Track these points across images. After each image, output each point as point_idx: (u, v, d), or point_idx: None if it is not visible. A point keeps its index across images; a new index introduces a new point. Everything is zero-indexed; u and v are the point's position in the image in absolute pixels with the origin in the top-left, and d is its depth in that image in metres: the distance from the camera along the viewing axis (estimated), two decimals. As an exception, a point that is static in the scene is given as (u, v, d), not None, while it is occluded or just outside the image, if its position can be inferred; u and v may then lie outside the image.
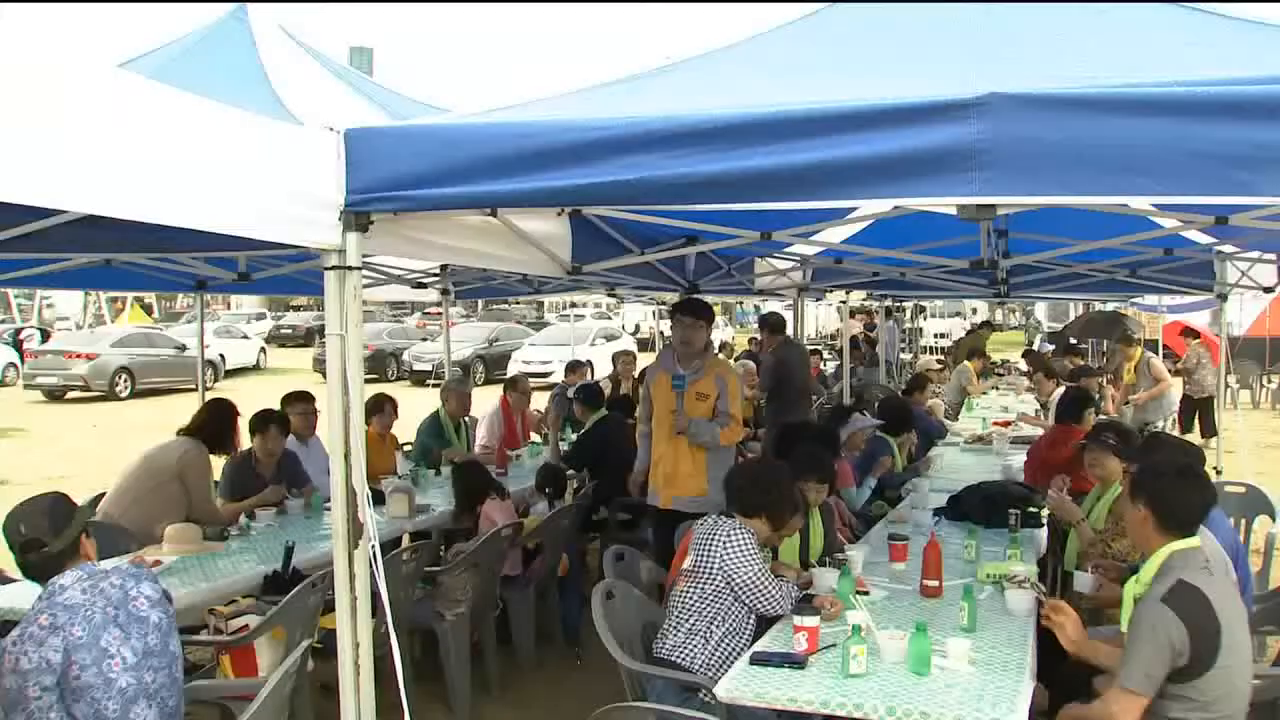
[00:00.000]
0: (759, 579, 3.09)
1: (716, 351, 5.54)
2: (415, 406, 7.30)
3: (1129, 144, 1.89)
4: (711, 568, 3.10)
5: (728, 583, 3.08)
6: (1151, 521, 2.58)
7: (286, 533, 4.33)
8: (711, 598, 3.09)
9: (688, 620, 3.11)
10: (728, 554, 3.09)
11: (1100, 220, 3.88)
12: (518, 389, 6.95)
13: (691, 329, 4.57)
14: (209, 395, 5.28)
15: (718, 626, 3.08)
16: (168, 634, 2.49)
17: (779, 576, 3.28)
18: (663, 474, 4.62)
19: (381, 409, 5.88)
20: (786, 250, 5.49)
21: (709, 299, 5.71)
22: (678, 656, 3.08)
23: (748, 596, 3.09)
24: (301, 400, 5.31)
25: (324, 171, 2.27)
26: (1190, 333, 11.86)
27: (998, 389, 11.18)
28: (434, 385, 11.69)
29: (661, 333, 13.41)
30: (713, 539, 3.14)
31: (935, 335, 26.61)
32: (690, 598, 3.12)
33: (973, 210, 2.14)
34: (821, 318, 26.38)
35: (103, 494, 4.61)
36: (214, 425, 4.65)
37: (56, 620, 2.27)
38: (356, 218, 2.32)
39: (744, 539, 3.12)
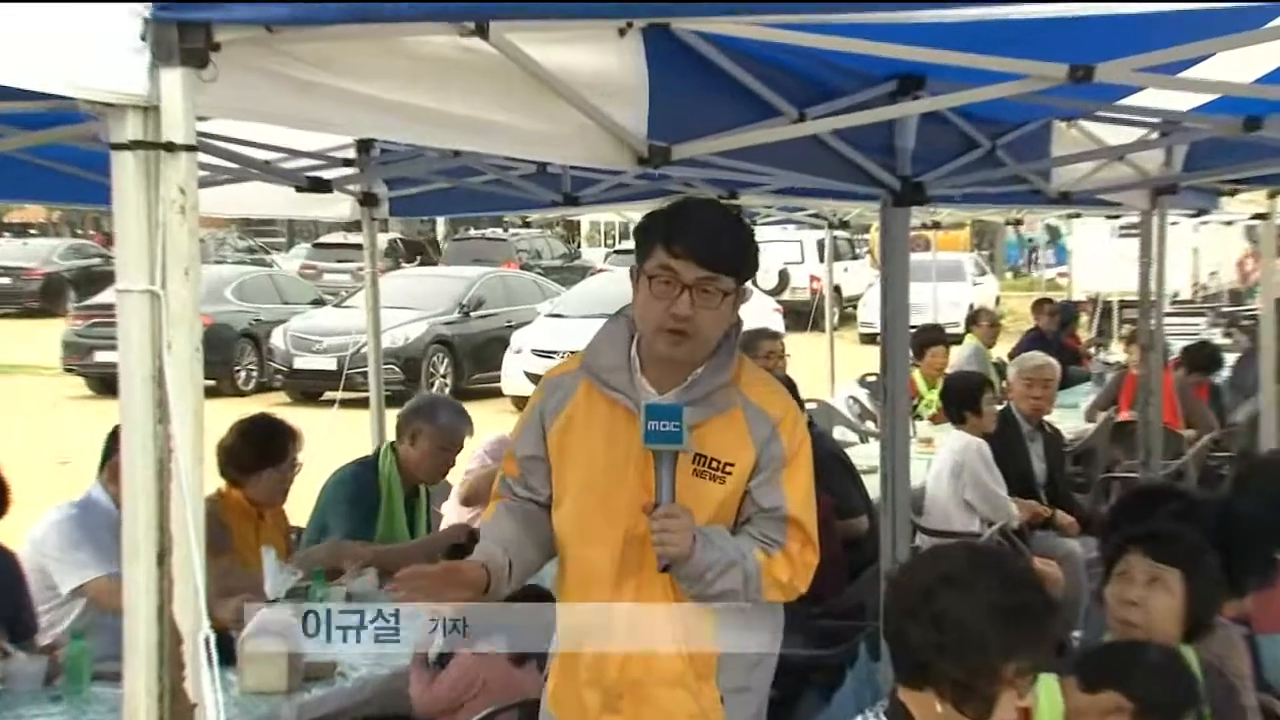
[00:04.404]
0: None
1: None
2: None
3: None
4: None
5: None
6: None
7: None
8: None
9: None
10: None
11: None
12: None
13: (702, 291, 3.88)
14: None
15: None
16: None
17: None
18: (589, 674, 3.95)
19: (282, 454, 5.94)
20: (1124, 102, 5.49)
21: (943, 213, 5.63)
22: None
23: None
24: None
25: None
26: None
27: None
28: (340, 404, 11.46)
29: (837, 289, 13.52)
30: None
31: None
32: None
33: None
34: (1206, 253, 25.80)
35: None
36: None
37: None
38: (183, 37, 2.36)
39: None
